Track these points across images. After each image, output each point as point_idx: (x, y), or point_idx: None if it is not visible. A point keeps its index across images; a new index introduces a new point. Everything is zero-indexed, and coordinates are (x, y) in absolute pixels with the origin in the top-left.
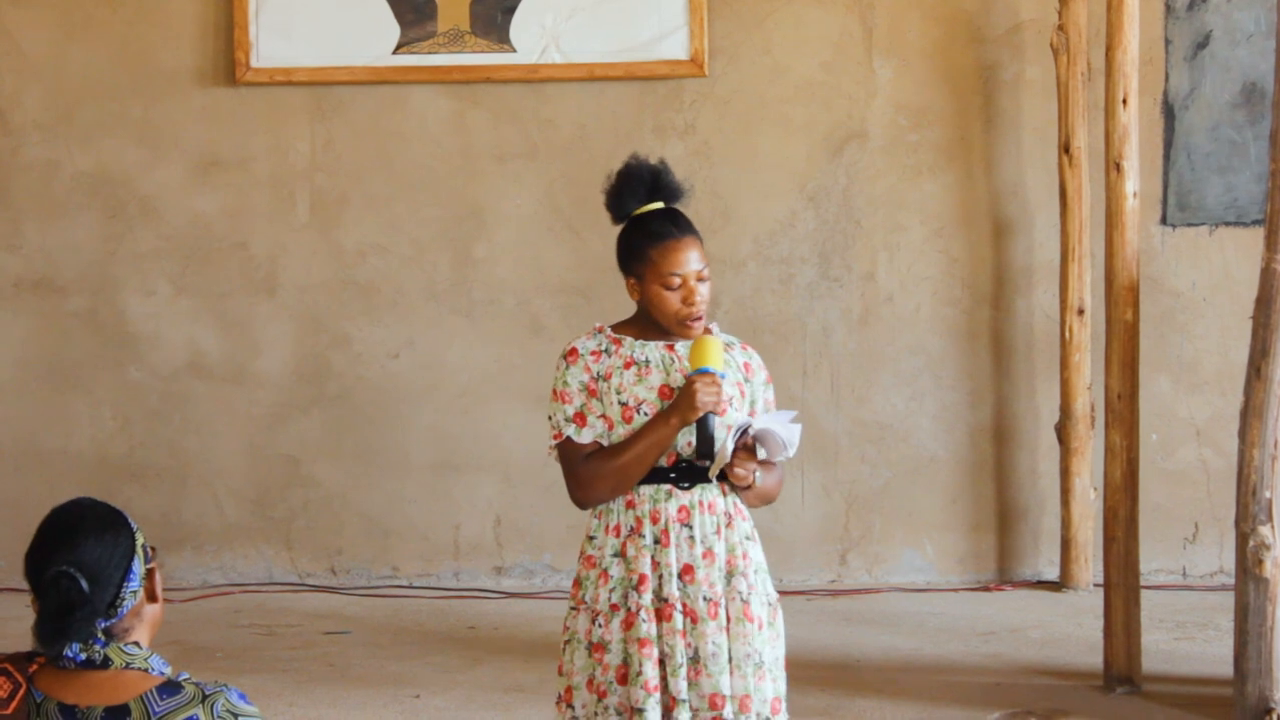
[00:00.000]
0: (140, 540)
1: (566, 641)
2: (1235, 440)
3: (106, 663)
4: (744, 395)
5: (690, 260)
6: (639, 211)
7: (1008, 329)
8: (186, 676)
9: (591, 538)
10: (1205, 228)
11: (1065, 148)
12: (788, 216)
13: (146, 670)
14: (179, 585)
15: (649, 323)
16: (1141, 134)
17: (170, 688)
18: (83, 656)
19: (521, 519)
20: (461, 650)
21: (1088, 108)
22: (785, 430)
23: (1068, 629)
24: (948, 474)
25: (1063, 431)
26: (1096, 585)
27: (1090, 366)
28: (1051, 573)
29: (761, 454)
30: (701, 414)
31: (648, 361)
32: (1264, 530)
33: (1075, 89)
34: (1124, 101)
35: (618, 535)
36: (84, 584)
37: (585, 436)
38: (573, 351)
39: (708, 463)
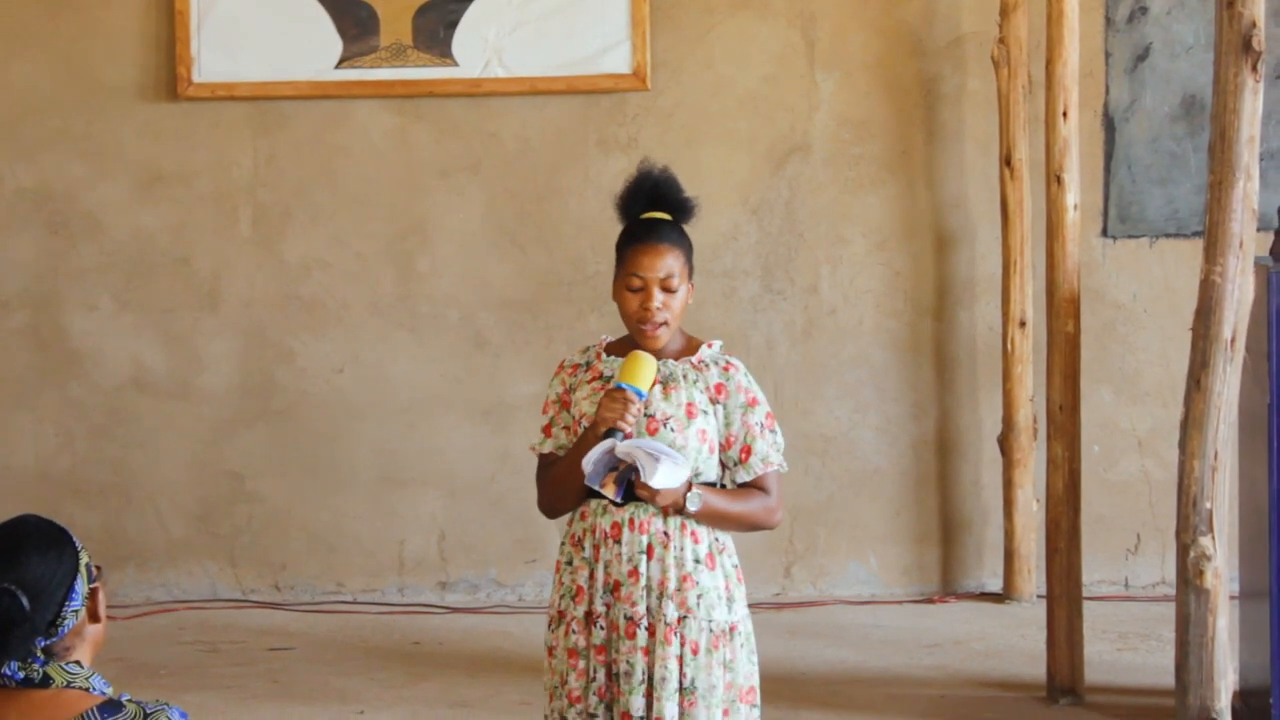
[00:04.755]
0: (84, 559)
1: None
2: (1176, 451)
3: (47, 681)
4: (692, 416)
5: (657, 266)
6: (644, 217)
7: (950, 341)
8: (128, 697)
9: (561, 543)
10: (1146, 239)
11: (1007, 160)
12: (730, 229)
13: (87, 689)
14: (122, 602)
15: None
16: (1082, 146)
17: (111, 707)
18: (21, 675)
19: (466, 534)
20: (406, 666)
21: (1029, 120)
22: (645, 458)
23: (1011, 640)
24: (891, 486)
25: (1005, 443)
26: (1040, 597)
27: (1032, 378)
28: (995, 584)
29: (674, 478)
30: (604, 429)
31: (612, 377)
32: (1204, 541)
33: (1016, 102)
34: (1064, 114)
35: (572, 544)
36: (24, 601)
37: (546, 447)
38: (560, 364)
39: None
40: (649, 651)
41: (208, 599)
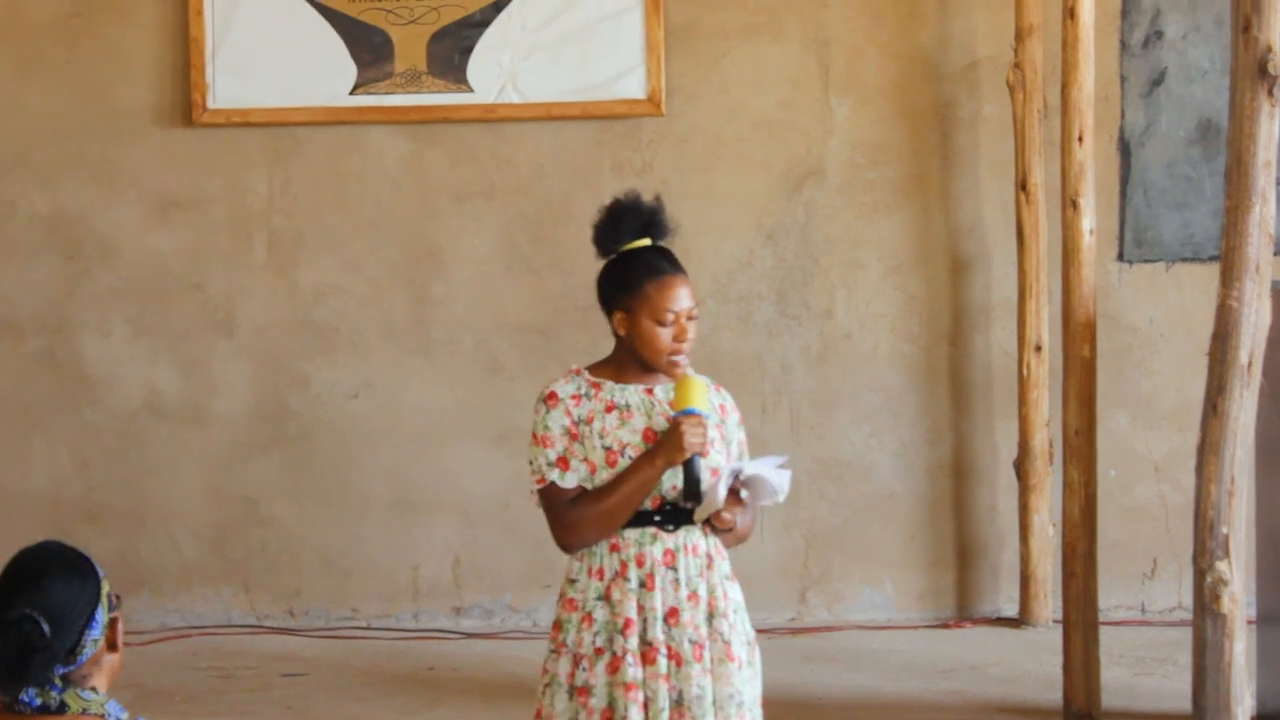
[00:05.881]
0: (106, 588)
1: (546, 685)
2: (1193, 476)
3: (63, 708)
4: (723, 437)
5: (684, 298)
6: (629, 247)
7: (966, 366)
8: None
9: (573, 580)
10: (1162, 264)
11: (1022, 185)
12: (746, 254)
13: (103, 716)
14: (137, 628)
15: (627, 363)
16: (1098, 171)
17: None
18: (38, 702)
19: (480, 559)
20: (421, 691)
21: (1044, 145)
22: (776, 476)
23: (1027, 665)
24: (907, 511)
25: (1021, 468)
26: (1056, 621)
27: (1048, 403)
28: (1011, 609)
29: (745, 497)
30: (688, 456)
31: (628, 405)
32: (1221, 566)
33: (1032, 126)
34: (1080, 139)
35: (601, 578)
36: (45, 628)
37: (569, 481)
38: (552, 395)
39: (693, 505)
40: (712, 673)
41: (222, 625)
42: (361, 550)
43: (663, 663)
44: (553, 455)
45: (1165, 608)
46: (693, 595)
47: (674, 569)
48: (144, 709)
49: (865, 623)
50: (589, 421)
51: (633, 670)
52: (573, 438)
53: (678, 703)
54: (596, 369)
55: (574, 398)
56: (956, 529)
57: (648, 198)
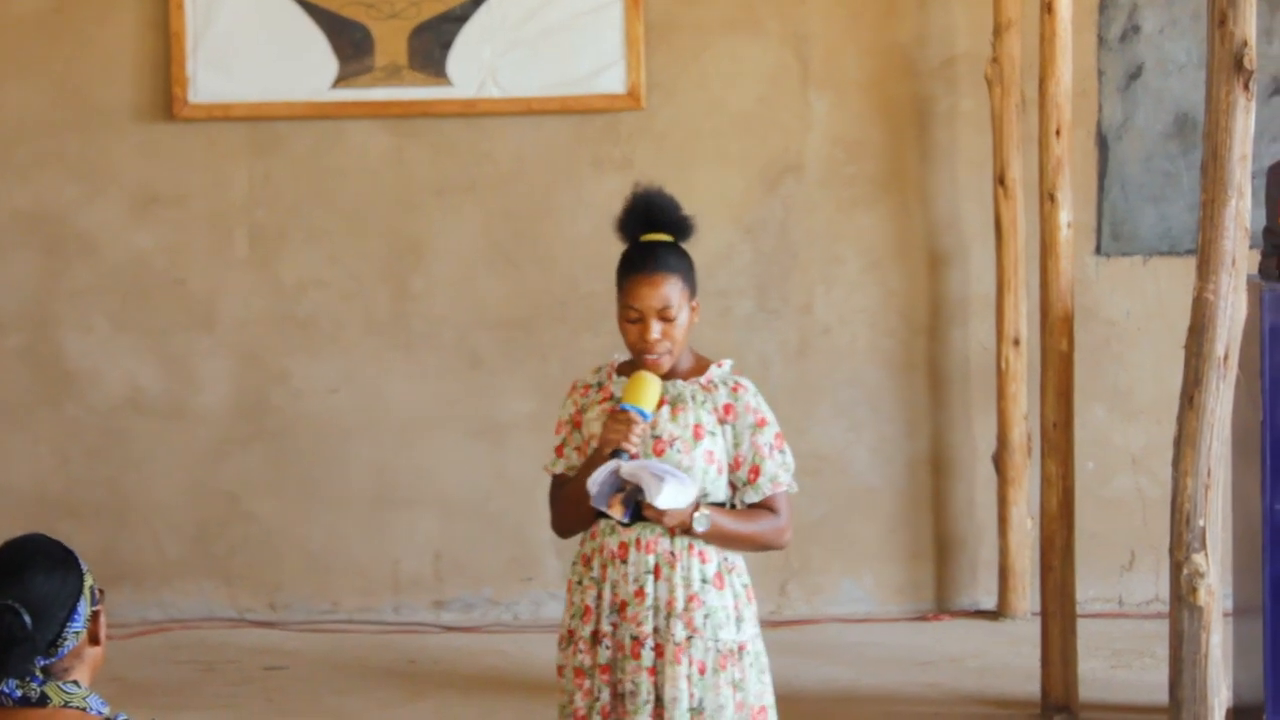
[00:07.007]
0: (89, 582)
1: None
2: (1170, 469)
3: (44, 700)
4: (699, 437)
5: (653, 297)
6: (644, 239)
7: (944, 360)
8: (125, 717)
9: (573, 563)
10: (1139, 257)
11: (1000, 179)
12: (724, 249)
13: (85, 709)
14: (118, 622)
15: None
16: (1075, 165)
17: None
18: (19, 694)
19: (461, 553)
20: (401, 685)
21: (1022, 139)
22: (650, 479)
23: (1005, 658)
24: (886, 504)
25: (999, 461)
26: (1034, 614)
27: (1026, 396)
28: (989, 602)
29: (681, 499)
30: (608, 450)
31: (621, 398)
32: (1198, 558)
33: (1009, 121)
34: (1057, 133)
35: (582, 564)
36: (27, 620)
37: (558, 468)
38: (572, 385)
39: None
40: (655, 671)
41: (203, 618)
42: (342, 544)
43: (603, 653)
44: (556, 442)
45: (1143, 600)
46: (639, 591)
47: (625, 563)
48: (126, 702)
49: (845, 615)
50: (587, 411)
51: (581, 657)
52: (575, 426)
53: (622, 695)
54: (626, 362)
55: (585, 388)
56: (935, 522)
57: (654, 191)
